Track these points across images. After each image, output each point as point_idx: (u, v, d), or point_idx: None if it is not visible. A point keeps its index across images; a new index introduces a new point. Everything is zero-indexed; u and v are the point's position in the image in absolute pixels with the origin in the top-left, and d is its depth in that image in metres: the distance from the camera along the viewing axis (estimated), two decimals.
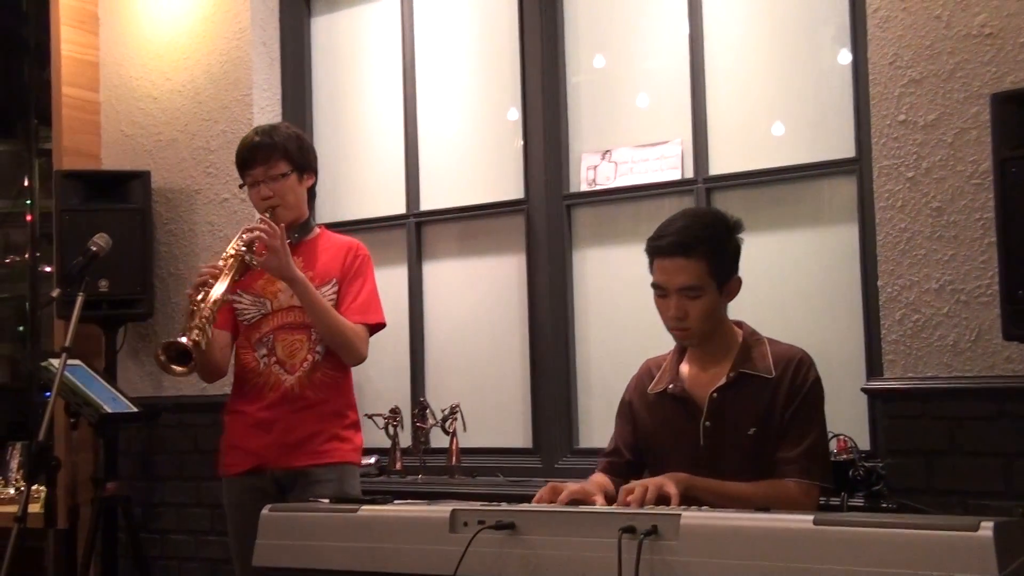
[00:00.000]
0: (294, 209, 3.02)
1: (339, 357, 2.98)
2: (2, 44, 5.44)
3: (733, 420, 2.39)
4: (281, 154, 2.98)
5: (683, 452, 2.42)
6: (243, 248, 2.86)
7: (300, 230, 3.05)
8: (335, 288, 2.99)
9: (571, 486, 2.26)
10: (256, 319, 3.01)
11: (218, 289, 2.80)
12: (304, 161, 3.04)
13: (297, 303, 2.95)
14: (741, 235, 2.46)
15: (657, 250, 2.39)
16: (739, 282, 2.44)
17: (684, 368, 2.50)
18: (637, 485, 2.14)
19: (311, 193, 3.11)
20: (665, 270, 2.38)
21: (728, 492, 2.24)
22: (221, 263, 2.86)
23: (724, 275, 2.39)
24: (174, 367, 2.75)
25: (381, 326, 3.04)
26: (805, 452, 2.34)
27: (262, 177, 2.98)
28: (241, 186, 3.08)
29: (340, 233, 3.25)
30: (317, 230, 3.13)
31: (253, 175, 3.00)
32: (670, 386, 2.47)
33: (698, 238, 2.36)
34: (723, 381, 2.41)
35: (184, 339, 2.72)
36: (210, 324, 2.77)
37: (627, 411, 2.57)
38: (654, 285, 2.41)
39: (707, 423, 2.40)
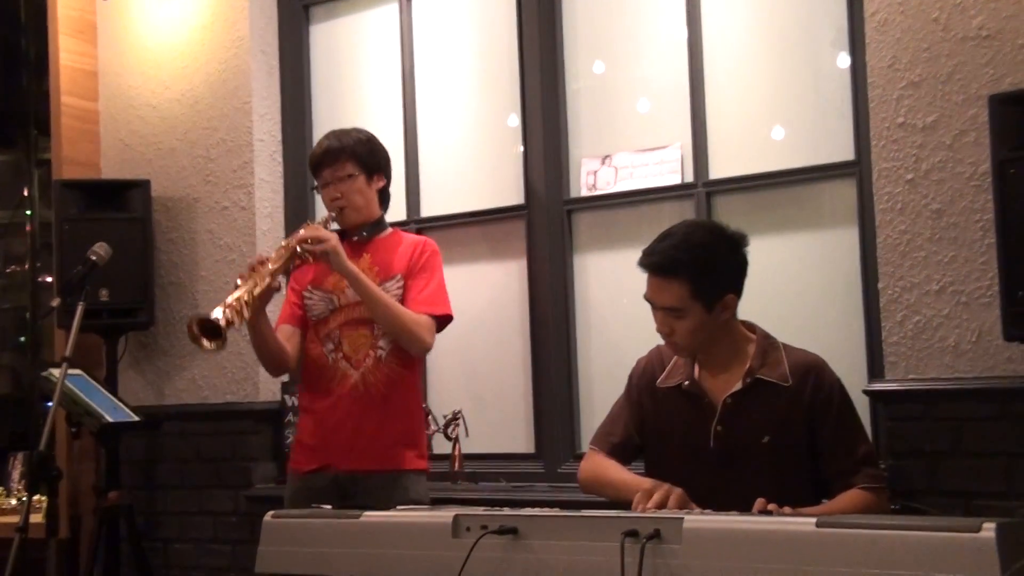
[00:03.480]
0: (362, 210, 3.08)
1: (404, 353, 3.01)
2: (1, 54, 5.45)
3: (746, 427, 2.38)
4: (348, 156, 3.06)
5: (689, 453, 2.42)
6: (296, 247, 2.92)
7: (371, 228, 3.10)
8: (400, 284, 3.03)
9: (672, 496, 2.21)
10: (324, 315, 3.06)
11: (264, 274, 2.86)
12: (372, 163, 3.11)
13: None
14: (745, 249, 2.45)
15: (643, 266, 2.42)
16: (733, 300, 2.42)
17: (697, 368, 2.49)
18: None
19: (385, 195, 3.17)
20: (651, 287, 2.42)
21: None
22: (274, 254, 2.94)
23: (710, 296, 2.36)
24: (203, 341, 2.78)
25: (448, 318, 3.06)
26: (864, 459, 2.36)
27: (330, 179, 3.06)
28: (314, 188, 3.16)
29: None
30: (389, 230, 3.18)
31: (323, 177, 3.08)
32: (685, 383, 2.46)
33: (680, 261, 2.35)
34: (738, 386, 2.40)
35: (218, 315, 2.75)
36: (248, 308, 2.81)
37: (634, 395, 2.57)
38: (645, 298, 2.45)
39: (719, 427, 2.39)
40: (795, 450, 2.37)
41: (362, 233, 3.09)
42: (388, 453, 2.98)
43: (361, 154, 3.07)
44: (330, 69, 4.22)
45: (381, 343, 2.99)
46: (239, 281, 2.87)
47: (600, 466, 2.51)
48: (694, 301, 2.35)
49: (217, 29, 4.17)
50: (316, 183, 3.12)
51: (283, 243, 2.99)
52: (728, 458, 2.38)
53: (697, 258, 2.36)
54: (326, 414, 3.01)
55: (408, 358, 3.03)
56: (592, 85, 3.69)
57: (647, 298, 2.43)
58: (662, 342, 2.60)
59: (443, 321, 3.04)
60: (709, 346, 2.45)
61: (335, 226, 3.07)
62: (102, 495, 3.74)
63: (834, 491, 2.36)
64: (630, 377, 2.61)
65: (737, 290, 2.44)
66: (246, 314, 2.81)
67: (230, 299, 2.81)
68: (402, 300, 2.99)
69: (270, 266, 2.89)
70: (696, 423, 2.43)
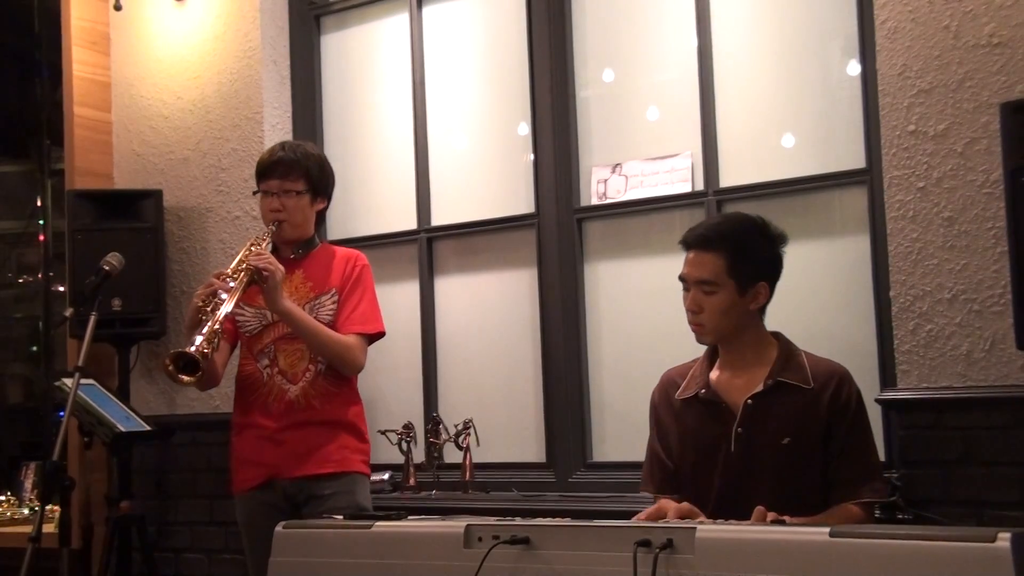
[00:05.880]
0: (299, 227, 3.10)
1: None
2: (15, 65, 5.49)
3: (767, 428, 2.40)
4: (301, 172, 3.06)
5: (712, 458, 2.43)
6: (253, 267, 2.90)
7: (304, 246, 3.13)
8: (334, 297, 3.06)
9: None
10: (258, 330, 3.07)
11: (227, 306, 2.85)
12: (321, 185, 3.13)
13: None
14: (783, 248, 2.52)
15: (684, 243, 2.50)
16: (765, 289, 2.47)
17: (715, 374, 2.51)
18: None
19: (320, 216, 3.19)
20: (688, 262, 2.48)
21: None
22: (231, 273, 2.91)
23: (745, 276, 2.42)
24: (182, 376, 2.79)
25: (381, 334, 3.10)
26: (868, 472, 2.38)
27: (277, 189, 3.06)
28: (255, 192, 3.15)
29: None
30: (319, 244, 3.20)
31: (269, 185, 3.07)
32: (701, 391, 2.48)
33: (722, 235, 2.45)
34: (760, 388, 2.42)
35: (193, 349, 2.76)
36: (218, 336, 2.82)
37: (656, 418, 2.58)
38: (680, 278, 2.50)
39: (739, 429, 2.41)
40: (812, 452, 2.39)
41: (298, 251, 3.11)
42: (334, 457, 3.00)
43: (314, 174, 3.09)
44: (341, 79, 4.24)
45: (320, 357, 3.01)
46: (198, 302, 2.85)
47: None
48: (729, 278, 2.42)
49: (229, 39, 4.18)
50: (257, 189, 3.11)
51: (234, 265, 2.94)
52: (748, 459, 2.39)
53: (738, 237, 2.45)
54: (267, 430, 3.01)
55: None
56: (602, 93, 3.69)
57: (682, 276, 2.49)
58: (671, 365, 2.63)
59: (375, 337, 3.08)
60: (734, 341, 2.48)
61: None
62: (114, 504, 3.75)
63: (834, 498, 2.37)
64: (651, 406, 2.63)
65: (770, 280, 2.49)
66: (216, 343, 2.80)
67: (205, 329, 2.79)
68: (336, 314, 3.02)
69: (231, 289, 2.86)
70: (716, 428, 2.44)
